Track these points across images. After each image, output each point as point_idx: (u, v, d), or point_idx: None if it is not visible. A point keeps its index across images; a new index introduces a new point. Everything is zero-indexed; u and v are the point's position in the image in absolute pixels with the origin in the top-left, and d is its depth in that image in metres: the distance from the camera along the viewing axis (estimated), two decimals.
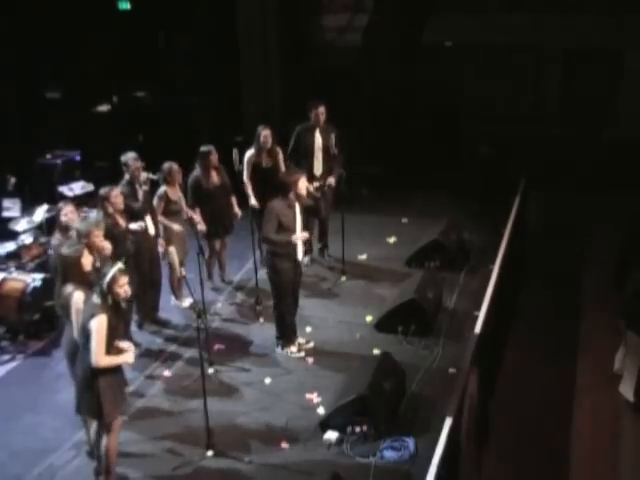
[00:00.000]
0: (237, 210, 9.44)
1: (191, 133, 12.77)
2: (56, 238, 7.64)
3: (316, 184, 8.32)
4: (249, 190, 9.55)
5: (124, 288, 6.03)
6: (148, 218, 8.41)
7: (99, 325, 5.87)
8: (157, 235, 8.63)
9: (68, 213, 7.70)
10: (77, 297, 6.29)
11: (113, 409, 6.12)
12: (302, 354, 8.19)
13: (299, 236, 7.89)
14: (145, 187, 8.44)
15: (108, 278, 5.96)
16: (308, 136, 9.78)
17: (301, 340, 8.38)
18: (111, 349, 6.01)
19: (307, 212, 8.19)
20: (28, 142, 12.23)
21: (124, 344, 6.22)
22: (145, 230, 8.32)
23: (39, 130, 12.56)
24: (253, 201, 9.47)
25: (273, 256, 7.93)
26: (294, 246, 7.91)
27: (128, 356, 6.14)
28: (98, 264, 6.65)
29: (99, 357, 5.89)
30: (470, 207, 11.69)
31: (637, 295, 7.36)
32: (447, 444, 5.39)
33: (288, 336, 8.24)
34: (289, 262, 7.94)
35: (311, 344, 8.38)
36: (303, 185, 7.91)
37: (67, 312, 6.42)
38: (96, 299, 5.97)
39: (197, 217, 9.06)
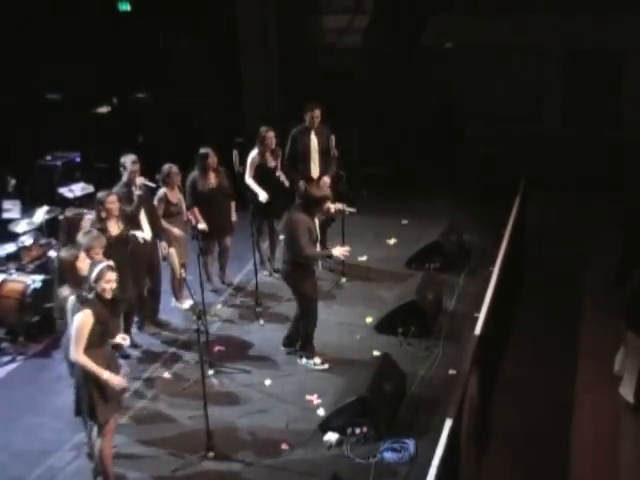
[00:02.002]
0: (234, 216, 9.42)
1: (191, 134, 12.77)
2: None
3: (339, 206, 8.39)
4: (254, 187, 9.51)
5: (110, 284, 6.05)
6: (144, 222, 8.40)
7: (82, 319, 5.89)
8: (157, 237, 8.61)
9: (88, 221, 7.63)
10: (73, 300, 6.30)
11: (106, 410, 6.11)
12: (326, 365, 8.04)
13: (340, 250, 7.79)
14: (139, 192, 8.39)
15: (95, 273, 5.99)
16: (304, 139, 9.74)
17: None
18: (102, 345, 6.03)
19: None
20: (28, 143, 12.23)
21: (118, 339, 6.28)
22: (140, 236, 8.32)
23: (39, 131, 12.56)
24: (263, 196, 9.41)
25: (298, 267, 7.75)
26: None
27: (115, 379, 6.07)
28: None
29: (77, 352, 5.90)
30: (470, 208, 11.68)
31: (637, 296, 7.36)
32: (447, 446, 5.39)
33: (312, 347, 8.11)
34: (309, 269, 7.88)
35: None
36: (328, 205, 7.87)
37: (64, 314, 6.42)
38: (84, 297, 5.99)
39: (197, 216, 9.02)
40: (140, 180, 8.36)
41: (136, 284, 8.32)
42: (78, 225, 7.33)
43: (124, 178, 8.37)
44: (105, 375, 6.03)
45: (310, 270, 7.87)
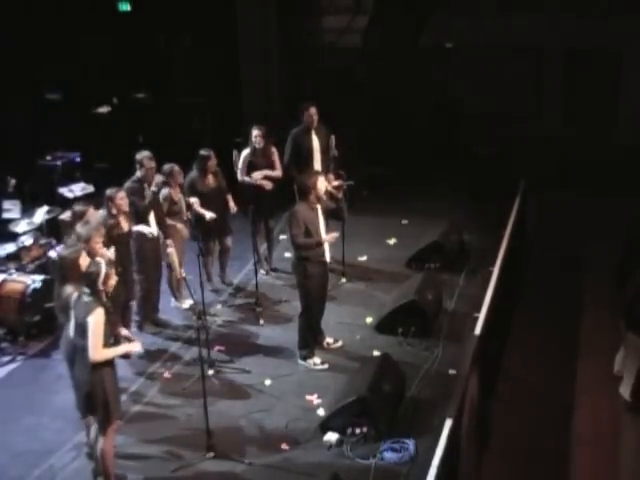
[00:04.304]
0: (232, 205, 9.34)
1: (191, 134, 12.77)
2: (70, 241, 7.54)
3: (335, 183, 8.34)
4: (252, 181, 9.47)
5: (113, 279, 6.10)
6: (152, 218, 8.42)
7: (97, 319, 5.91)
8: (160, 236, 8.62)
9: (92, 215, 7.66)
10: (75, 298, 6.30)
11: (116, 410, 6.18)
12: (326, 366, 8.04)
13: (328, 237, 7.77)
14: (154, 188, 8.44)
15: (103, 274, 5.99)
16: (305, 139, 9.71)
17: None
18: (108, 343, 6.05)
19: (329, 215, 8.08)
20: (28, 143, 12.24)
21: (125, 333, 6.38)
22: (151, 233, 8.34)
23: (39, 131, 12.56)
24: (261, 181, 9.42)
25: (303, 261, 7.78)
26: (322, 249, 7.81)
27: (131, 345, 6.25)
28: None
29: (96, 351, 5.92)
30: (470, 208, 11.68)
31: (637, 296, 7.37)
32: (447, 445, 5.39)
33: (311, 347, 8.10)
34: (319, 266, 7.86)
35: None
36: (322, 186, 7.85)
37: (66, 313, 6.43)
38: (87, 297, 5.99)
39: (199, 209, 9.00)
40: (158, 178, 8.37)
41: (146, 281, 8.35)
42: (83, 218, 7.38)
43: (138, 174, 8.39)
44: (121, 349, 6.16)
45: (317, 267, 7.82)
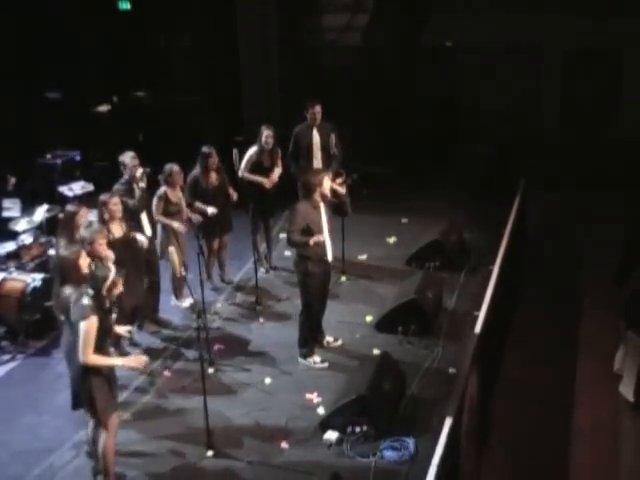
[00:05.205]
0: (232, 192, 9.28)
1: (191, 133, 12.77)
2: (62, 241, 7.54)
3: (339, 180, 8.36)
4: (254, 178, 9.50)
5: (119, 288, 6.12)
6: (144, 217, 8.40)
7: (89, 326, 5.93)
8: (154, 235, 8.61)
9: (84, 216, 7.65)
10: (74, 299, 6.30)
11: (106, 407, 6.16)
12: (326, 364, 8.04)
13: (315, 239, 7.58)
14: (142, 184, 8.41)
15: (109, 281, 6.01)
16: (306, 136, 9.77)
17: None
18: (104, 347, 6.08)
19: (333, 211, 8.05)
20: (28, 142, 12.24)
21: (122, 329, 6.42)
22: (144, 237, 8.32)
23: (39, 130, 12.56)
24: (262, 178, 9.48)
25: (304, 259, 7.76)
26: (322, 247, 7.73)
27: (132, 360, 6.28)
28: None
29: (86, 356, 5.95)
30: (470, 207, 11.69)
31: (637, 295, 7.37)
32: (447, 444, 5.38)
33: (311, 345, 8.09)
34: (320, 265, 7.83)
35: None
36: (327, 184, 7.82)
37: (66, 313, 6.43)
38: (87, 300, 5.99)
39: (201, 206, 9.00)
40: (140, 171, 8.35)
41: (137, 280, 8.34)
42: (75, 218, 7.35)
43: (125, 175, 8.39)
44: (120, 361, 6.25)
45: (318, 265, 7.79)
